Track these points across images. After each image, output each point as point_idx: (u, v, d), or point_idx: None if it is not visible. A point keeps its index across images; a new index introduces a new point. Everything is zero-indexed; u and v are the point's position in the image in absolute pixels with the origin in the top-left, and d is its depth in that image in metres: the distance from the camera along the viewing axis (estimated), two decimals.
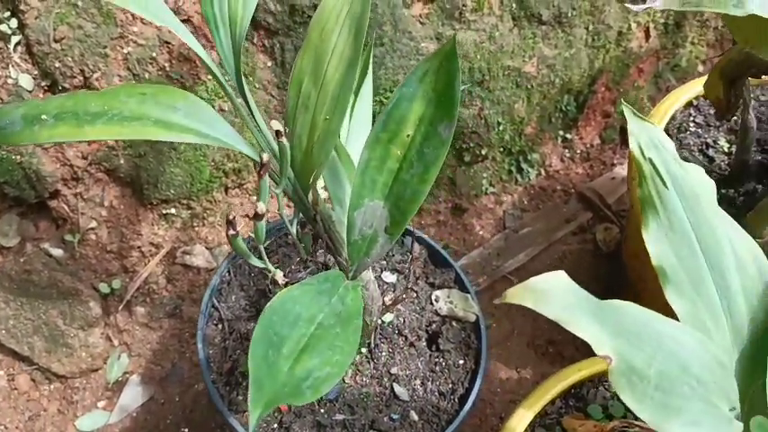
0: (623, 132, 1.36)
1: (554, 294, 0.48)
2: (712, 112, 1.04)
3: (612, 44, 1.26)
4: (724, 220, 0.63)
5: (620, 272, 1.22)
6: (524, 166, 1.29)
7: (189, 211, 1.09)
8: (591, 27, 1.21)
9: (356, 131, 0.72)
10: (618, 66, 1.29)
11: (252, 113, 0.67)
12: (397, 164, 0.62)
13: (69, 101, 0.67)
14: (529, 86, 1.19)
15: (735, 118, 1.00)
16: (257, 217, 0.63)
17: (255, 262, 0.69)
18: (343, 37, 0.62)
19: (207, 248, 1.10)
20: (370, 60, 0.75)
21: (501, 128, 1.21)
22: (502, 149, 1.26)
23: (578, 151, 1.34)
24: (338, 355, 0.55)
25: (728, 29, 0.87)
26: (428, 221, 1.25)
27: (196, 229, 1.10)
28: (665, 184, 0.61)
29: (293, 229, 0.73)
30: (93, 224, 1.07)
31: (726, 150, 1.00)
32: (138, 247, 1.09)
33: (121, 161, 1.04)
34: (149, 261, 1.09)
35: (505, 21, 1.14)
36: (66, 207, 1.07)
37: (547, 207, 1.31)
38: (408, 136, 0.61)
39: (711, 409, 0.53)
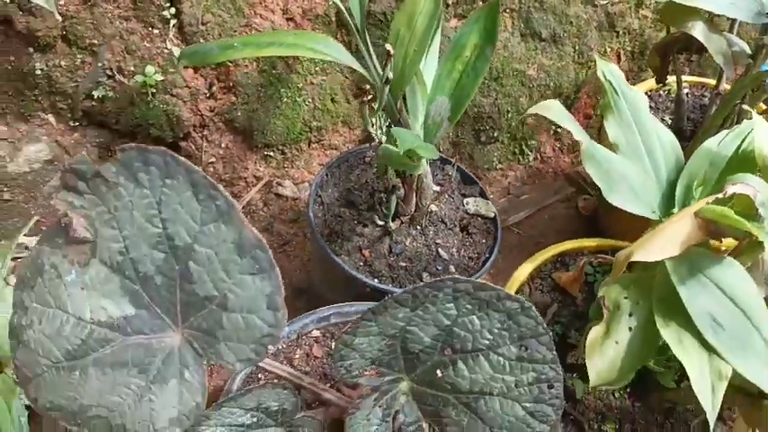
0: (599, 132, 1.78)
1: (555, 109, 0.88)
2: (660, 100, 1.46)
3: (593, 63, 1.70)
4: (653, 119, 1.04)
5: (596, 229, 1.62)
6: (525, 149, 1.70)
7: (282, 155, 1.49)
8: (577, 47, 1.66)
9: (428, 63, 1.12)
10: (597, 80, 1.72)
11: (368, 46, 1.08)
12: (458, 74, 1.03)
13: (251, 37, 1.09)
14: (531, 86, 1.62)
15: (673, 104, 1.43)
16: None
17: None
18: (428, 2, 1.04)
19: (293, 183, 1.49)
20: (440, 22, 1.17)
21: (509, 115, 1.63)
22: (509, 135, 1.67)
23: (566, 143, 1.76)
24: None
25: (660, 15, 1.29)
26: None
27: (286, 168, 1.50)
28: (617, 94, 1.02)
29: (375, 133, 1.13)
30: (213, 159, 1.46)
31: (669, 124, 1.42)
32: (244, 178, 1.47)
33: (238, 113, 1.45)
34: (251, 189, 1.47)
35: (515, 35, 1.59)
36: (193, 146, 1.46)
37: (541, 182, 1.72)
38: (467, 56, 1.02)
39: (640, 203, 0.92)
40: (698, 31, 1.07)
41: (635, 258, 0.82)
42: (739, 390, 0.87)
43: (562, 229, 1.61)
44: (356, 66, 1.04)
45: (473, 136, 1.64)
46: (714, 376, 0.78)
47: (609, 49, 1.71)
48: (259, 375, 1.01)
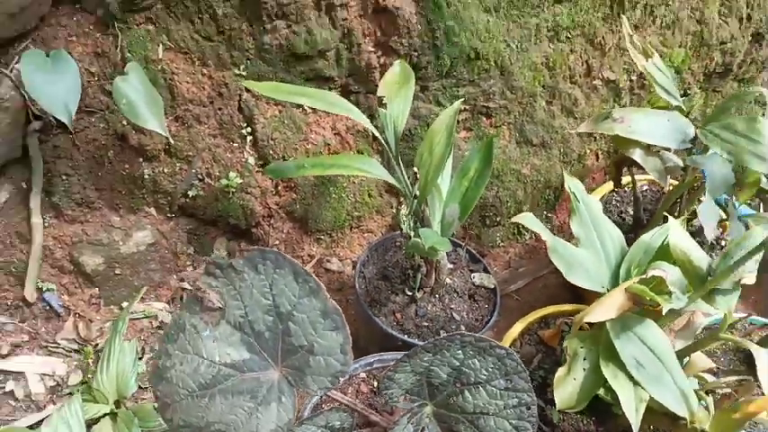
0: None
1: (528, 218, 1.28)
2: (625, 195, 1.87)
3: (576, 162, 2.12)
4: (605, 218, 1.44)
5: (576, 295, 2.00)
6: (522, 231, 2.11)
7: (330, 238, 1.91)
8: (562, 150, 2.08)
9: (444, 178, 1.54)
10: (579, 175, 2.14)
11: (401, 167, 1.50)
12: (465, 188, 1.44)
13: (317, 158, 1.52)
14: (525, 182, 2.04)
15: (636, 199, 1.83)
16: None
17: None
18: (443, 135, 1.46)
19: (339, 260, 1.90)
20: (452, 149, 1.59)
21: (509, 204, 2.04)
22: (509, 219, 2.08)
23: (555, 225, 2.16)
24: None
25: (613, 141, 1.70)
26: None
27: (333, 248, 1.91)
28: (578, 201, 1.43)
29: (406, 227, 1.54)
30: (277, 242, 1.88)
31: (631, 214, 1.82)
32: (301, 257, 1.89)
33: (297, 206, 1.87)
34: (306, 265, 1.88)
35: (512, 143, 2.01)
36: (262, 232, 1.89)
37: (536, 257, 2.11)
38: (471, 175, 1.44)
39: (592, 281, 1.31)
40: (637, 155, 1.49)
41: (586, 320, 1.21)
42: (664, 414, 1.24)
43: (552, 296, 1.99)
44: (392, 180, 1.46)
45: (480, 221, 2.05)
46: (637, 401, 1.15)
47: (588, 150, 2.13)
48: (323, 405, 1.39)
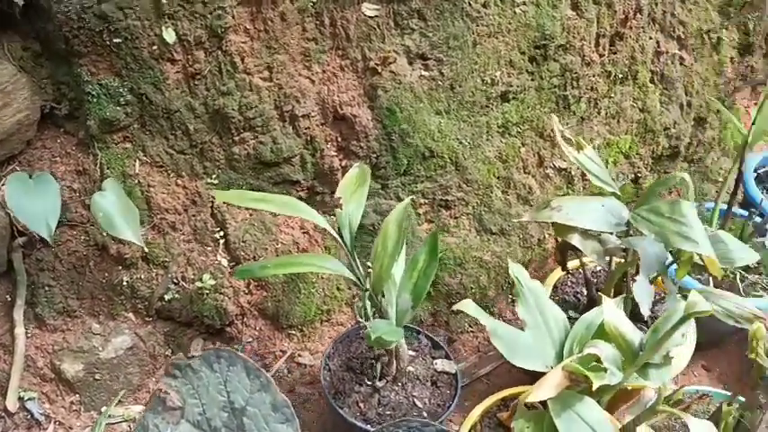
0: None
1: (471, 306, 1.37)
2: (579, 276, 1.96)
3: (536, 245, 2.22)
4: (550, 303, 1.52)
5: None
6: (490, 315, 2.18)
7: (301, 333, 1.99)
8: (521, 236, 2.19)
9: (398, 269, 1.64)
10: (539, 258, 2.24)
11: (357, 263, 1.60)
12: (415, 279, 1.54)
13: (279, 258, 1.62)
14: (487, 268, 2.14)
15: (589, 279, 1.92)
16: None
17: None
18: (394, 230, 1.57)
19: (310, 353, 1.97)
20: (404, 241, 1.70)
21: (473, 290, 2.13)
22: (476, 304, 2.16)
23: None
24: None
25: (553, 228, 1.81)
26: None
27: (305, 342, 1.99)
28: (523, 287, 1.52)
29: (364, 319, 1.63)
30: (250, 339, 1.96)
31: (585, 294, 1.91)
32: (273, 352, 1.96)
33: (269, 304, 1.96)
34: (279, 360, 1.95)
35: (472, 232, 2.13)
36: (236, 330, 1.97)
37: None
38: (420, 267, 1.54)
39: (535, 362, 1.39)
40: (575, 240, 1.59)
41: (527, 400, 1.28)
42: None
43: (520, 378, 2.04)
44: (348, 275, 1.57)
45: (447, 307, 2.13)
46: None
47: (547, 235, 2.23)
48: None
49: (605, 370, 1.29)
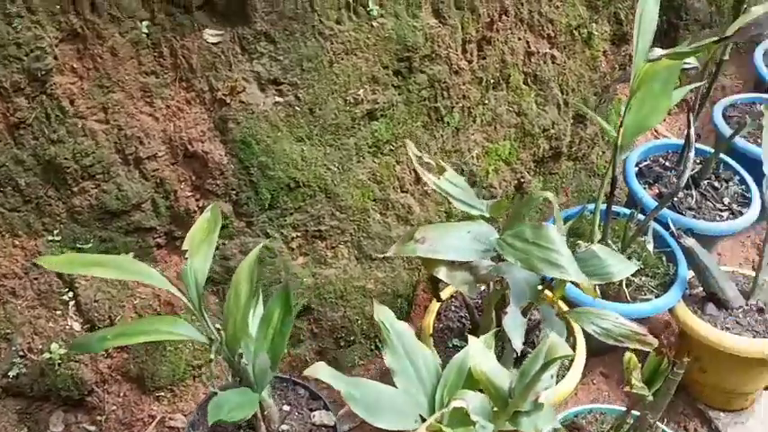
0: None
1: (325, 370, 1.25)
2: (460, 300, 1.88)
3: (421, 267, 2.12)
4: (420, 346, 1.42)
5: None
6: (380, 345, 2.07)
7: (171, 393, 1.82)
8: (405, 258, 2.08)
9: (253, 324, 1.50)
10: (427, 279, 2.14)
11: (207, 323, 1.45)
12: (271, 336, 1.40)
13: (119, 327, 1.45)
14: (372, 296, 2.02)
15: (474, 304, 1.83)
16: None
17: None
18: (245, 283, 1.43)
19: (183, 415, 1.81)
20: (260, 292, 1.56)
21: (359, 322, 2.01)
22: (363, 336, 2.04)
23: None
24: None
25: (421, 262, 1.71)
26: (323, 385, 1.99)
27: (176, 403, 1.82)
28: (388, 330, 1.40)
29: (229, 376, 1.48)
30: (114, 407, 1.78)
31: (468, 319, 1.82)
32: (141, 419, 1.79)
33: (131, 366, 1.78)
34: (148, 427, 1.78)
35: (352, 260, 2.00)
36: (97, 399, 1.78)
37: None
38: (275, 322, 1.40)
39: (403, 419, 1.28)
40: (442, 274, 1.48)
41: None
42: None
43: None
44: (202, 339, 1.41)
45: (333, 343, 2.01)
46: None
47: None
48: None
49: (473, 424, 1.19)
